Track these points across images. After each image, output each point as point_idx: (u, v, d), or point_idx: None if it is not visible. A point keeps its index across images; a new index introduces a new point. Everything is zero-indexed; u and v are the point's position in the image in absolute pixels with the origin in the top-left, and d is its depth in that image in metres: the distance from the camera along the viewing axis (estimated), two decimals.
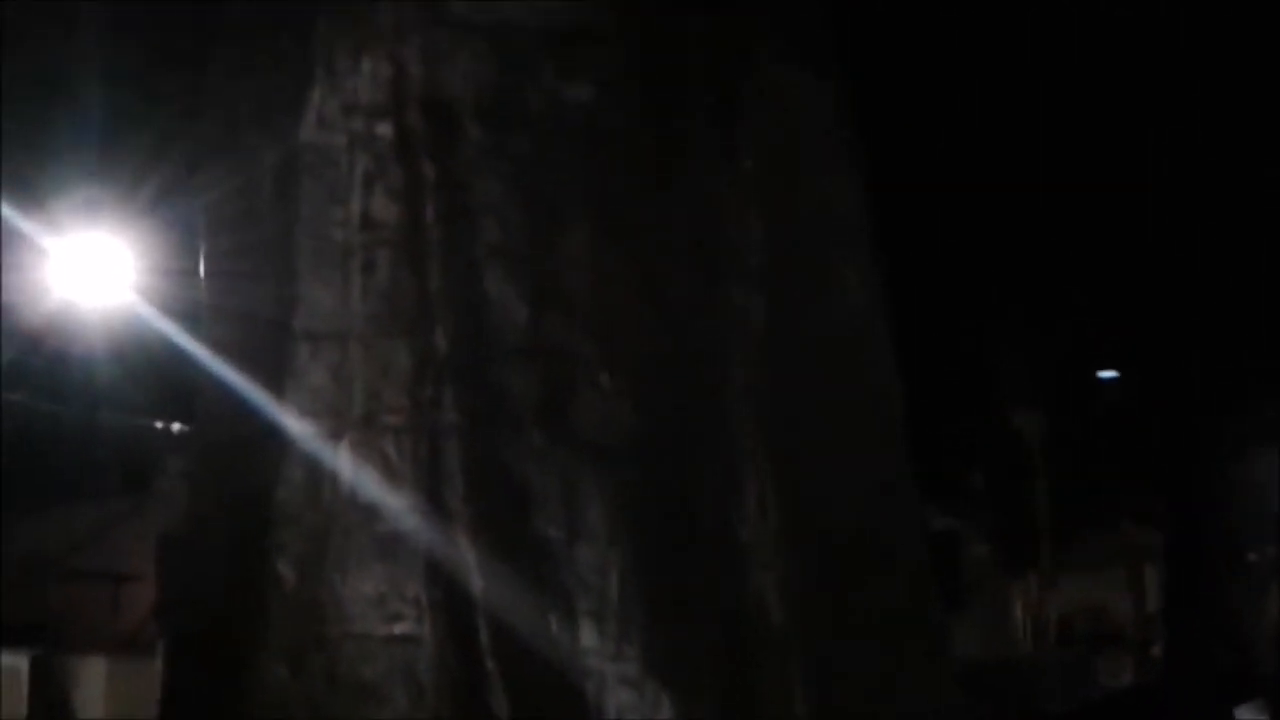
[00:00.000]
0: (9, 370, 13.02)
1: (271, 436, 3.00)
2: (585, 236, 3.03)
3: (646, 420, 2.98)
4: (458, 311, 2.99)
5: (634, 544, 2.92)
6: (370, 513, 2.92)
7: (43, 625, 16.94)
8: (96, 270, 12.75)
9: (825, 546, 3.03)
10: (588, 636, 2.87)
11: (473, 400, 2.95)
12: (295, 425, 2.99)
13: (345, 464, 2.94)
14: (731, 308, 3.06)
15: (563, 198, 3.05)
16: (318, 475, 2.96)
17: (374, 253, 3.03)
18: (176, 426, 16.30)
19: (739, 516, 2.98)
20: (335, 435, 2.96)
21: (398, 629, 2.88)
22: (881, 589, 3.08)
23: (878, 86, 3.35)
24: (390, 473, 2.93)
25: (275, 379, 3.03)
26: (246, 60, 3.22)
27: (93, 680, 16.96)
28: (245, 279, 3.15)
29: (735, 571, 2.96)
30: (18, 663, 15.97)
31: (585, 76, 3.08)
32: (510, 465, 2.93)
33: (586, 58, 3.08)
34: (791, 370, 3.08)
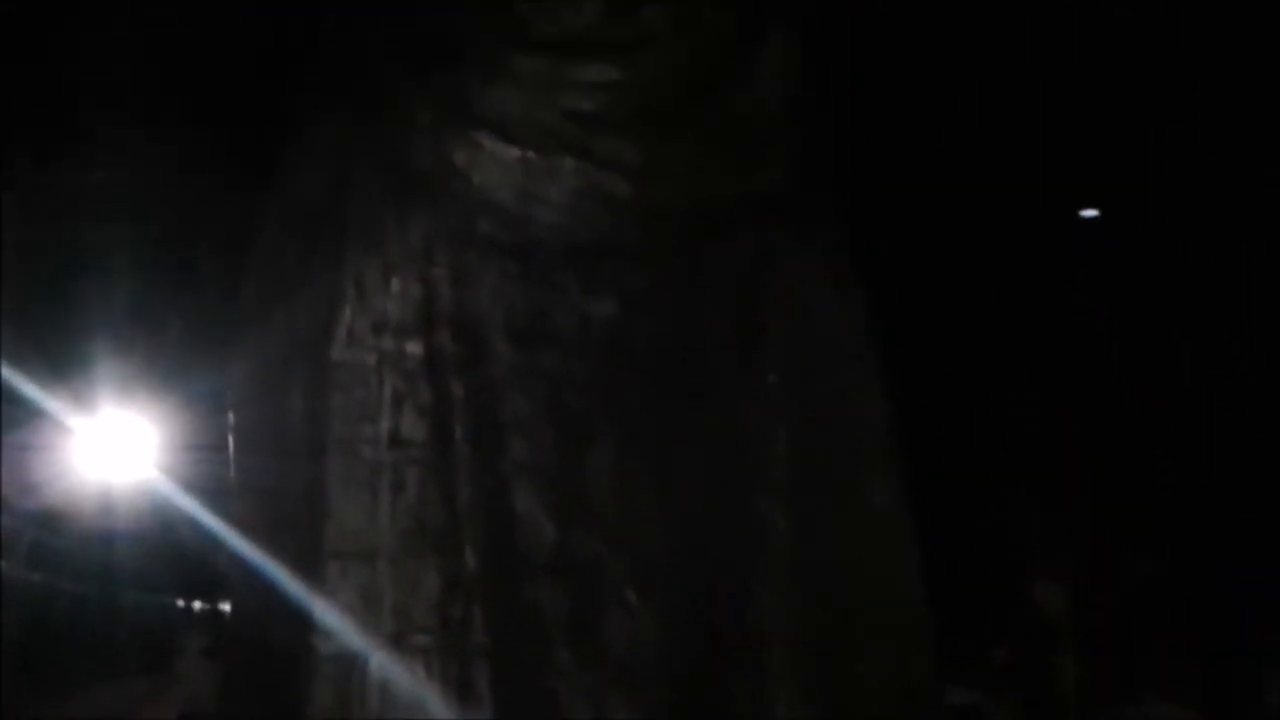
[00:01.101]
0: (31, 551, 13.03)
1: (302, 647, 3.01)
2: (611, 452, 3.06)
3: (674, 637, 2.99)
4: (486, 530, 3.01)
5: None
6: None
7: None
8: (121, 448, 12.82)
9: None
10: None
11: (502, 620, 2.96)
12: (325, 644, 2.99)
13: (374, 685, 2.94)
14: (757, 522, 3.08)
15: (589, 414, 3.09)
16: (346, 694, 2.96)
17: (403, 471, 3.06)
18: (197, 605, 16.23)
19: None
20: (364, 655, 2.96)
21: None
22: None
23: (899, 294, 3.39)
24: (419, 693, 2.94)
25: (305, 588, 3.04)
26: (278, 280, 3.27)
27: None
28: (274, 482, 3.18)
29: None
30: None
31: (611, 293, 3.13)
32: (539, 685, 2.94)
33: (612, 274, 3.14)
34: (817, 585, 3.09)
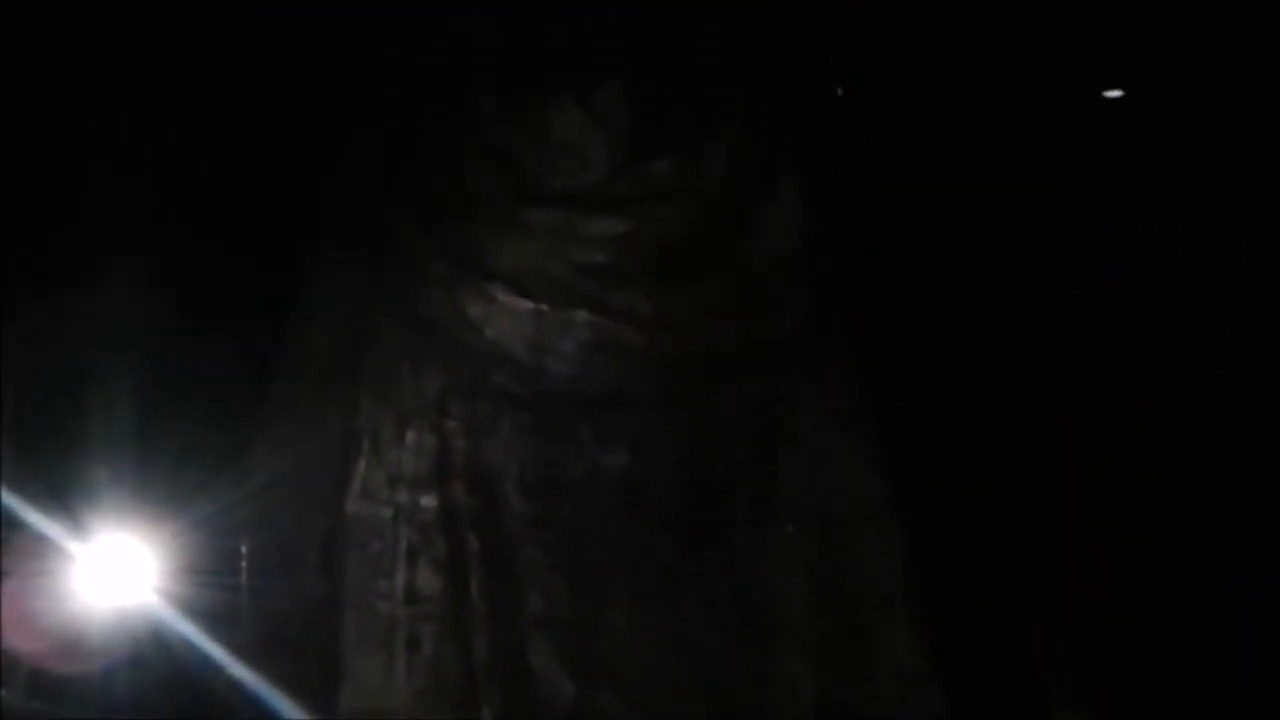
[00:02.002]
0: (30, 679, 12.90)
1: None
2: (627, 605, 3.05)
3: None
4: (503, 686, 2.99)
5: None
6: None
7: None
8: (121, 573, 12.72)
9: None
10: None
11: None
12: None
13: None
14: (781, 675, 3.05)
15: (605, 566, 3.07)
16: None
17: (419, 627, 3.04)
18: None
19: None
20: None
21: None
22: None
23: (914, 433, 3.38)
24: None
25: None
26: (291, 434, 3.27)
27: None
28: (287, 654, 3.15)
29: None
30: None
31: (624, 443, 3.13)
32: None
33: (625, 424, 3.13)
34: None
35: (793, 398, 3.21)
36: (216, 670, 3.29)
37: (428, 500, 3.11)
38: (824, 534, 3.14)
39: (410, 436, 3.14)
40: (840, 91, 3.75)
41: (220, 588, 3.51)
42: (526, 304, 3.12)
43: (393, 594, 3.06)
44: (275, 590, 3.23)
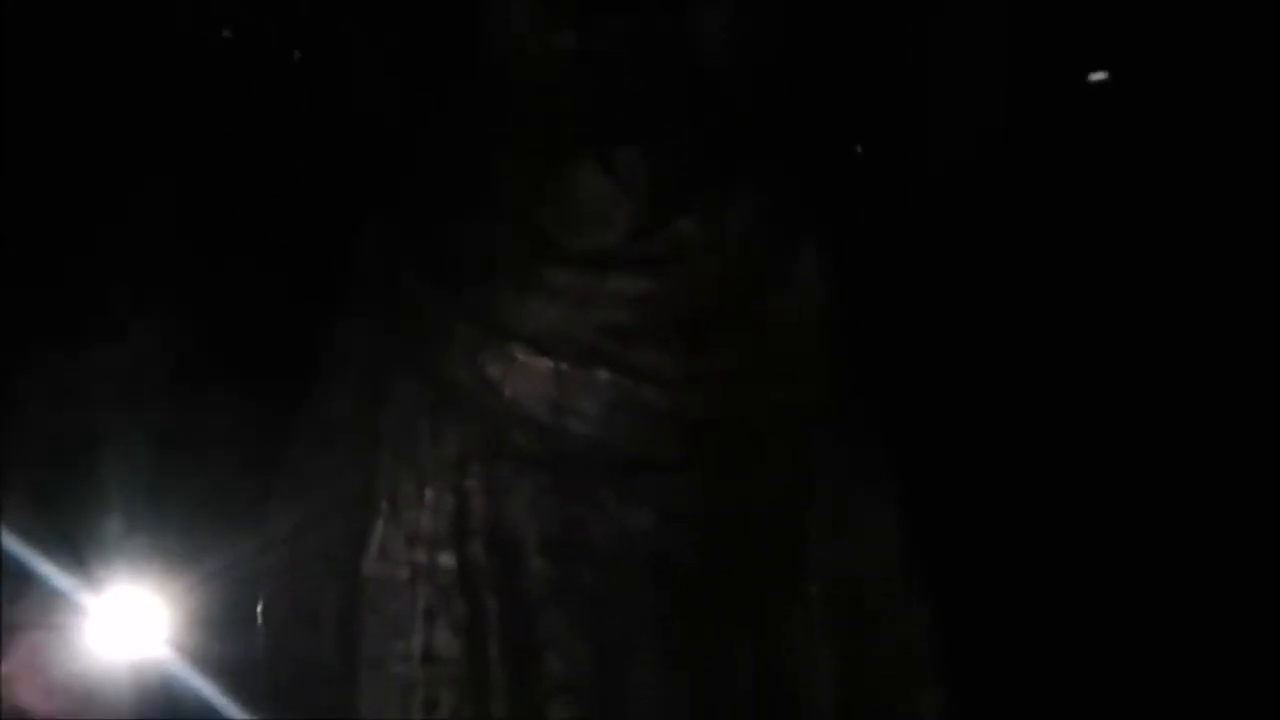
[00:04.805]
0: None
1: None
2: (651, 672, 3.01)
3: None
4: None
5: None
6: None
7: None
8: (133, 628, 12.69)
9: None
10: None
11: None
12: None
13: None
14: None
15: (627, 631, 3.04)
16: None
17: (436, 690, 3.01)
18: None
19: None
20: None
21: None
22: None
23: (941, 503, 3.36)
24: None
25: None
26: (308, 494, 3.25)
27: None
28: (303, 713, 3.13)
29: None
30: None
31: (648, 506, 3.10)
32: None
33: (649, 487, 3.11)
34: None
35: (816, 461, 3.18)
36: None
37: (446, 560, 3.08)
38: (850, 600, 3.11)
39: (429, 496, 3.12)
40: (860, 150, 3.75)
41: (235, 643, 3.50)
42: (546, 363, 3.10)
43: (410, 655, 3.03)
44: (291, 648, 3.21)
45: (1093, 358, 3.76)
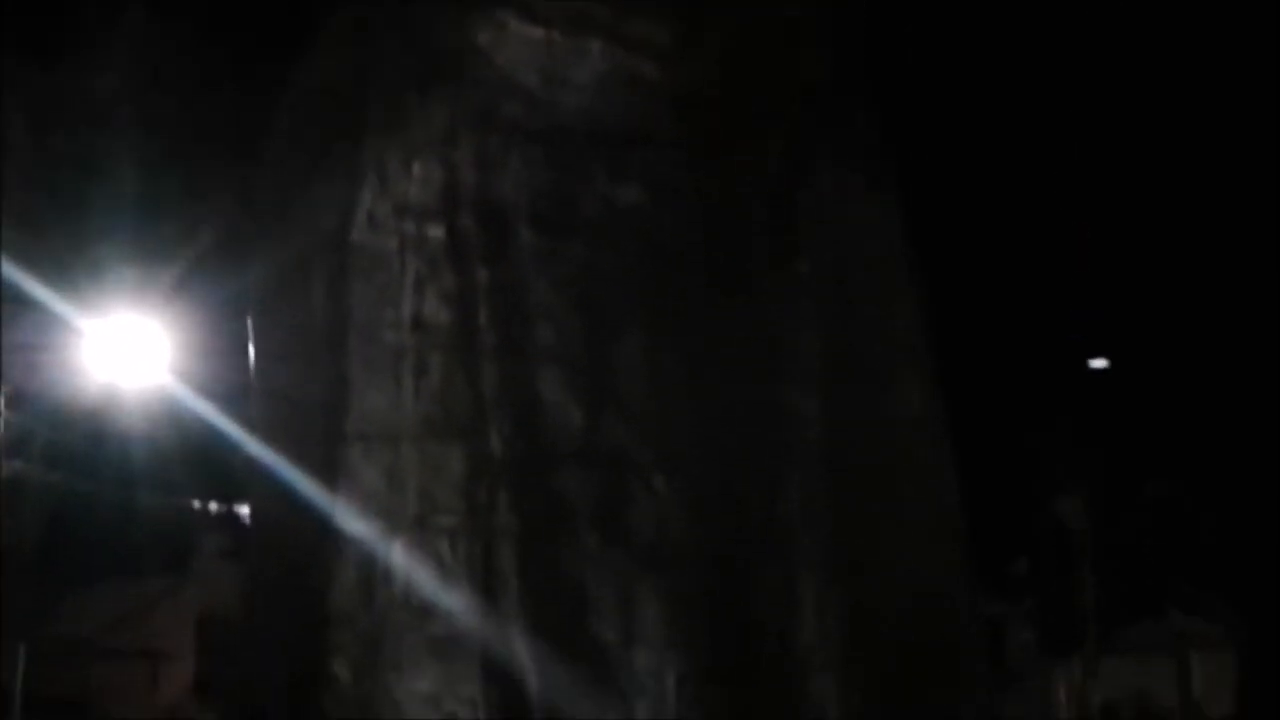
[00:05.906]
0: (47, 450, 12.97)
1: (325, 535, 2.96)
2: (640, 340, 3.00)
3: (702, 524, 2.93)
4: (512, 415, 2.95)
5: (691, 648, 2.87)
6: (425, 613, 2.89)
7: (82, 703, 16.88)
8: (134, 351, 12.71)
9: (886, 655, 2.97)
10: None
11: (528, 504, 2.91)
12: (348, 525, 2.94)
13: (399, 565, 2.89)
14: (787, 411, 3.01)
15: (617, 301, 3.02)
16: (371, 576, 2.92)
17: (426, 355, 2.99)
18: (213, 506, 16.28)
19: (798, 621, 2.92)
20: (388, 536, 2.92)
21: None
22: (943, 701, 3.00)
23: (936, 203, 3.26)
24: (444, 574, 2.89)
25: (327, 477, 2.99)
26: (296, 161, 3.17)
27: None
28: (295, 380, 3.10)
29: (794, 676, 2.91)
30: None
31: (638, 179, 3.05)
32: (566, 569, 2.89)
33: (639, 161, 3.05)
34: (849, 475, 3.03)
35: (815, 151, 3.13)
36: (231, 445, 3.25)
37: (435, 231, 3.03)
38: (839, 282, 3.08)
39: (417, 168, 3.06)
40: None
41: (232, 368, 3.45)
42: (538, 32, 3.02)
43: (399, 323, 3.00)
44: (283, 335, 3.15)
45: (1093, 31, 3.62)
